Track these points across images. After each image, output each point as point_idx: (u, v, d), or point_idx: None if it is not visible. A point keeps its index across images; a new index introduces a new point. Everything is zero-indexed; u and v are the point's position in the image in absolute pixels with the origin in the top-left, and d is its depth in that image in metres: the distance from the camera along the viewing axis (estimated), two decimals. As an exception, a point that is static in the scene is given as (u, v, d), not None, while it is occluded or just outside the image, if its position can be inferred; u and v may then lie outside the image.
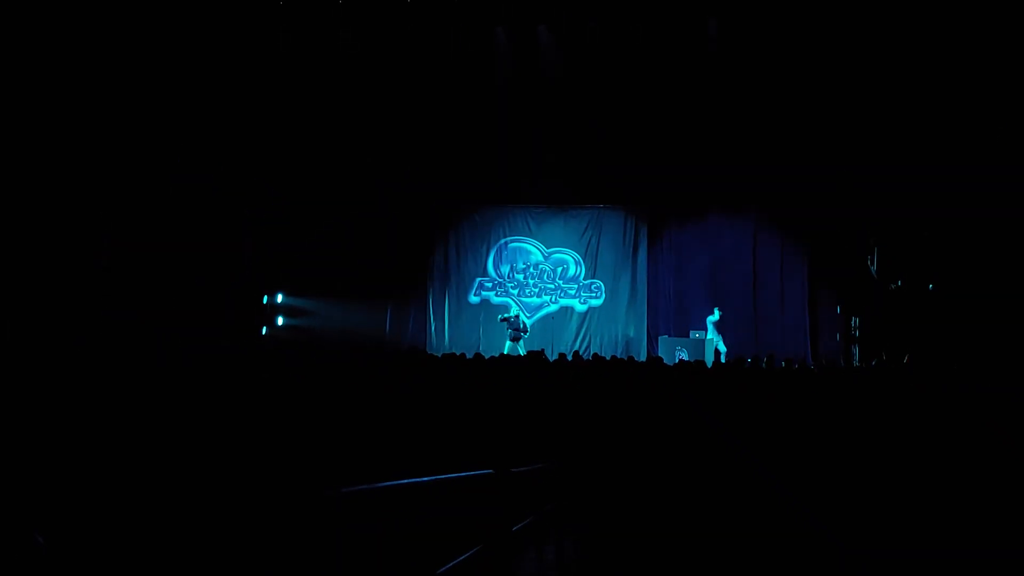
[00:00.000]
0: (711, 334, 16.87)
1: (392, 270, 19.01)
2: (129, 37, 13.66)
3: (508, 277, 19.30)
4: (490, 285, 19.34)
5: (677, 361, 14.99)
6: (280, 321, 18.22)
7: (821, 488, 5.55)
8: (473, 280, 19.38)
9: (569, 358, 12.98)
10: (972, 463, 5.72)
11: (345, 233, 18.55)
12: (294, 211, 18.24)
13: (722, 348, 16.72)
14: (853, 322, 16.71)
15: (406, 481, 4.08)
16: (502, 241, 19.40)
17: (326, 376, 9.49)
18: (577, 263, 19.20)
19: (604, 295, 19.03)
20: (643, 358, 16.62)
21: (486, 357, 12.00)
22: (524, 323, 17.95)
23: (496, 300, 19.27)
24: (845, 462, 5.93)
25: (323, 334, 17.77)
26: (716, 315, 17.03)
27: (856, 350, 16.37)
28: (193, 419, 6.64)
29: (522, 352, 16.63)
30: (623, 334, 18.72)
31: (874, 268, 16.00)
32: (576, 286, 19.16)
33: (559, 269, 19.27)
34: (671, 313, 18.50)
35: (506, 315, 17.96)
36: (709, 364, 12.92)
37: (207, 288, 15.31)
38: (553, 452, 6.53)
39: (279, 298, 18.28)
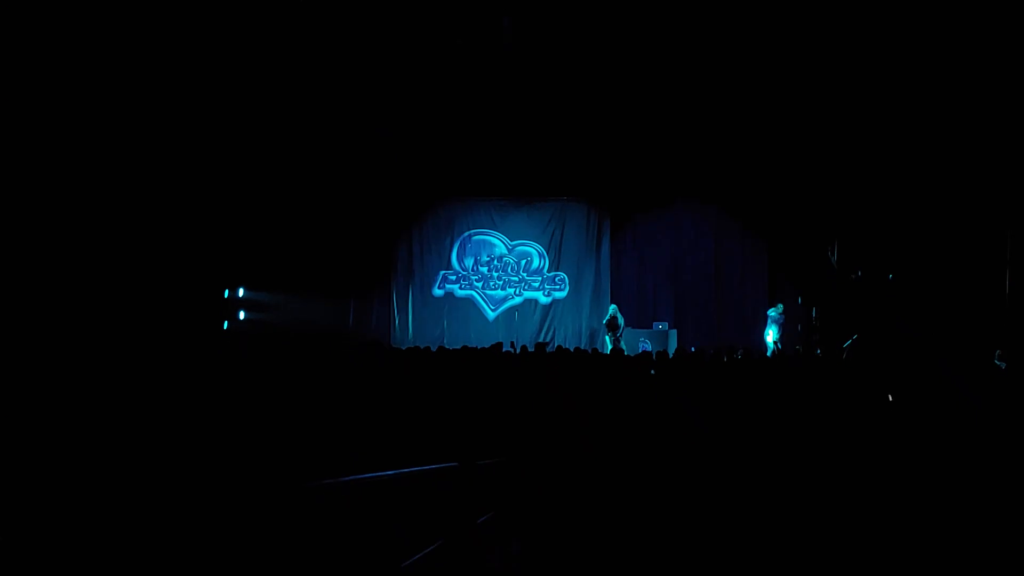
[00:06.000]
0: (773, 332, 16.75)
1: (355, 263, 18.87)
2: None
3: (472, 270, 19.28)
4: (454, 278, 19.31)
5: (640, 352, 15.04)
6: (242, 315, 18.01)
7: (783, 482, 5.60)
8: (437, 273, 19.33)
9: (532, 350, 12.97)
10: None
11: (308, 226, 18.36)
12: (256, 204, 18.00)
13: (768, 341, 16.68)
14: (813, 312, 16.87)
15: (370, 475, 4.04)
16: (466, 234, 19.37)
17: (288, 370, 9.40)
18: (541, 256, 19.23)
19: (568, 287, 19.09)
20: (607, 351, 16.68)
21: (449, 349, 11.95)
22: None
23: (460, 293, 19.24)
24: (802, 454, 5.98)
25: (286, 328, 17.58)
26: (778, 307, 16.88)
27: (817, 339, 16.52)
28: (153, 414, 6.54)
29: (624, 348, 16.62)
30: (587, 326, 18.82)
31: (834, 258, 16.16)
32: (540, 278, 19.20)
33: (523, 262, 19.28)
34: (634, 304, 18.59)
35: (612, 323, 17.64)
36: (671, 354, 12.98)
37: (166, 281, 15.04)
38: (518, 445, 6.53)
39: (240, 292, 18.05)
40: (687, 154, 17.60)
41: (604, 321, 17.43)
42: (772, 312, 16.79)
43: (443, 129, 17.88)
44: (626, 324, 17.37)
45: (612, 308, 17.36)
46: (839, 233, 16.14)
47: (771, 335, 16.63)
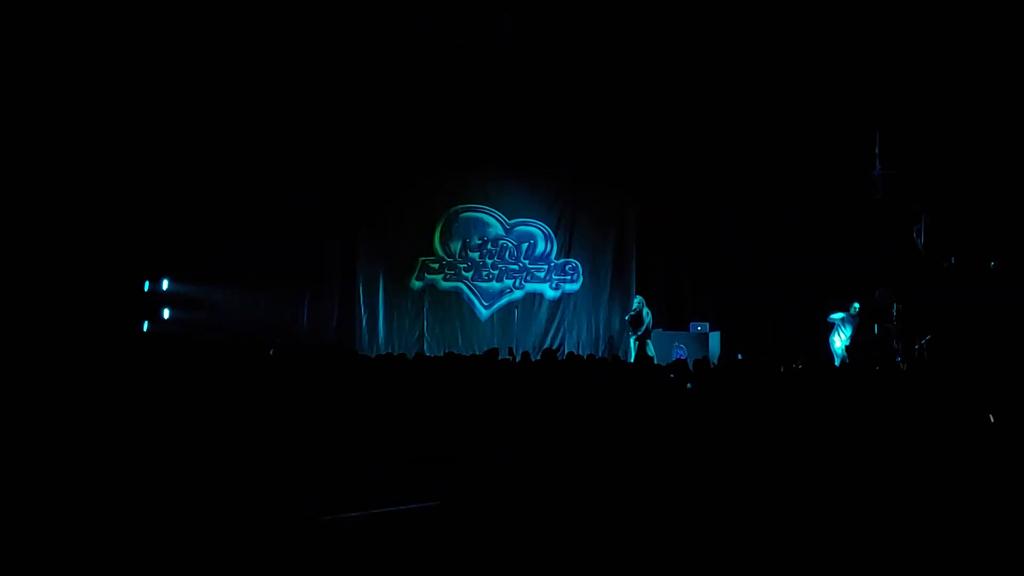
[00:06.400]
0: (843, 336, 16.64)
1: (311, 248, 18.78)
2: None
3: (460, 256, 19.20)
4: (436, 266, 19.21)
5: (674, 360, 15.01)
6: (167, 314, 17.94)
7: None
8: (415, 260, 19.25)
9: (537, 358, 12.94)
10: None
11: (251, 201, 18.22)
12: (183, 171, 17.84)
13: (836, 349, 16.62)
14: (894, 309, 16.80)
15: (334, 516, 4.05)
16: (452, 211, 19.26)
17: (227, 383, 9.36)
18: (547, 238, 19.20)
19: (582, 278, 19.09)
20: (632, 358, 16.66)
21: (431, 357, 11.91)
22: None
23: (444, 285, 19.16)
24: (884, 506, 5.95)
25: (223, 330, 17.48)
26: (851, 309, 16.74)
27: (899, 344, 16.47)
28: (55, 435, 6.51)
29: (652, 353, 16.47)
30: (606, 327, 18.80)
31: (922, 240, 16.09)
32: (546, 267, 19.17)
33: (525, 245, 19.24)
34: (667, 300, 18.53)
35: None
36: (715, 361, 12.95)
37: (64, 271, 14.93)
38: (512, 479, 6.51)
39: (165, 285, 17.97)
40: (737, 101, 17.43)
41: (627, 317, 17.42)
42: (837, 315, 16.73)
43: (421, 74, 17.71)
44: (655, 324, 17.32)
45: (637, 300, 17.33)
46: (929, 208, 16.05)
47: (839, 339, 16.58)
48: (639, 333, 16.94)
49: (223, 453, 6.81)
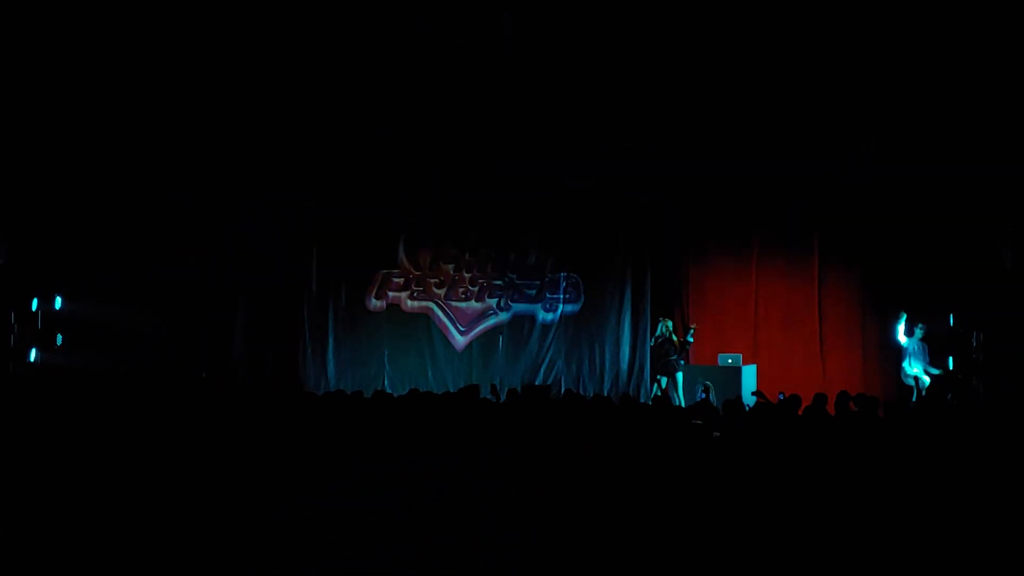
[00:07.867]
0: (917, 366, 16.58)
1: (243, 257, 18.74)
2: None
3: (430, 268, 19.07)
4: (402, 280, 19.15)
5: (698, 401, 15.03)
6: (60, 339, 17.88)
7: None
8: (374, 273, 19.23)
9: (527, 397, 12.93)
10: None
11: (166, 202, 18.20)
12: (83, 159, 17.81)
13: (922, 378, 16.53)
14: (975, 338, 16.84)
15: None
16: (423, 206, 19.13)
17: (139, 432, 9.35)
18: (540, 243, 19.13)
19: (583, 296, 19.01)
20: (647, 398, 16.61)
21: (394, 396, 11.89)
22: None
23: (411, 305, 19.08)
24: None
25: (130, 360, 17.42)
26: (916, 333, 16.65)
27: (979, 382, 16.51)
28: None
29: (679, 397, 16.44)
30: (613, 360, 18.70)
31: (1009, 254, 16.15)
32: (538, 282, 19.10)
33: (512, 255, 19.18)
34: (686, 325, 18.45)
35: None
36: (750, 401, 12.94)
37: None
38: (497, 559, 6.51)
39: (57, 303, 17.92)
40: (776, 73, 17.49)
41: (649, 345, 17.37)
42: (910, 341, 16.70)
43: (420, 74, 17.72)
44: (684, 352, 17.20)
45: (662, 325, 17.14)
46: (1016, 216, 16.15)
47: (915, 369, 16.58)
48: (671, 360, 16.80)
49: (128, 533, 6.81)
